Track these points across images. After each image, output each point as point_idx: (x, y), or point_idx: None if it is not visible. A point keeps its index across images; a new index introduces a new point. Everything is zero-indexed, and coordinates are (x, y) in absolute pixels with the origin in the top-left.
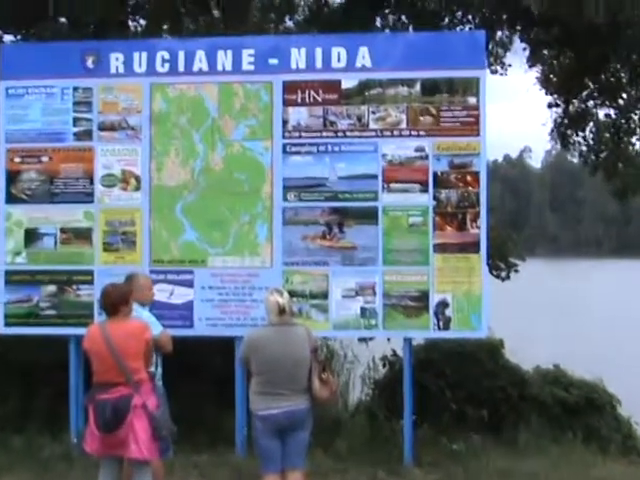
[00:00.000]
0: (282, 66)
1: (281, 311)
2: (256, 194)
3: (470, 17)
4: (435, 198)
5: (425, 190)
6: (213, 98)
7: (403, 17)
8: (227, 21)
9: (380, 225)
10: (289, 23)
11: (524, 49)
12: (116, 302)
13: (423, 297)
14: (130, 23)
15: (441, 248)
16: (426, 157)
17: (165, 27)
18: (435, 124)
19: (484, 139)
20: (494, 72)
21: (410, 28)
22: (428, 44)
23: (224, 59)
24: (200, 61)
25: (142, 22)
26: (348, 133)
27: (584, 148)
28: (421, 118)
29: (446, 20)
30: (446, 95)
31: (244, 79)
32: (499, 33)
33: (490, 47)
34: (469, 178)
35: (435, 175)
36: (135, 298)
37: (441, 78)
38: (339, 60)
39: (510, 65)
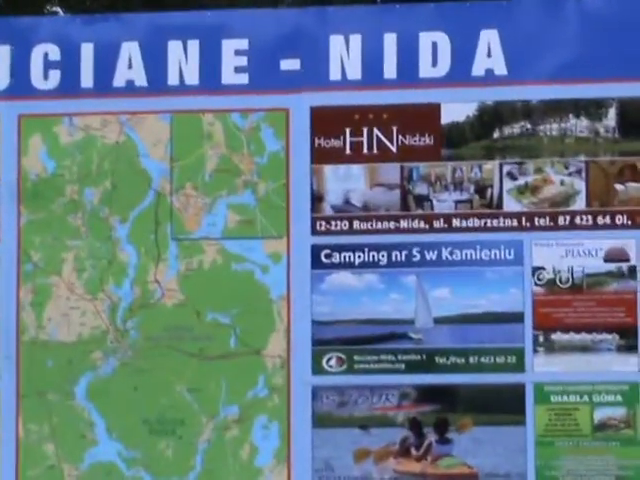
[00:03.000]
0: (307, 74)
1: None
2: (253, 360)
3: None
4: None
5: (631, 347)
6: (158, 145)
7: None
8: None
9: (531, 428)
10: None
11: None
12: None
13: None
14: None
15: None
16: (630, 274)
17: None
18: None
19: None
20: None
21: None
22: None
23: (181, 61)
24: (129, 65)
25: None
26: (456, 223)
27: None
28: (620, 188)
29: None
30: None
31: (226, 103)
32: None
33: None
34: None
35: None
36: None
37: None
38: (435, 60)
39: None
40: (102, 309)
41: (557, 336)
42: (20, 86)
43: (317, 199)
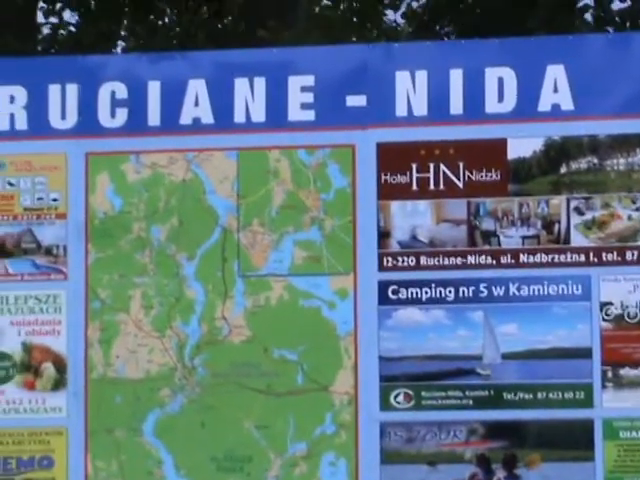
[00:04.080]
0: (374, 110)
1: None
2: (321, 396)
3: None
4: None
5: None
6: (225, 182)
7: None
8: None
9: (600, 463)
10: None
11: None
12: None
13: None
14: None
15: None
16: None
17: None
18: None
19: None
20: None
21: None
22: None
23: (247, 98)
24: (196, 103)
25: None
26: (523, 259)
27: None
28: None
29: None
30: None
31: (292, 140)
32: None
33: None
34: None
35: None
36: None
37: None
38: (501, 95)
39: None
40: (170, 346)
41: (625, 371)
42: (87, 124)
43: (384, 235)
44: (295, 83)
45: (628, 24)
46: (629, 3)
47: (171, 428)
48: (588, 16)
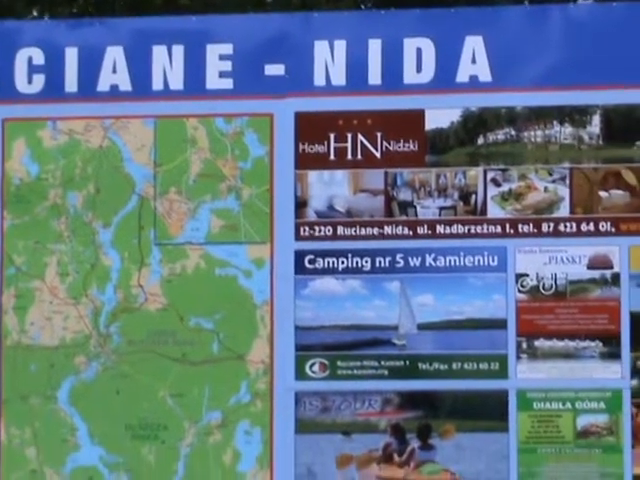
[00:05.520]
0: (292, 80)
1: None
2: (236, 365)
3: None
4: (637, 373)
5: (614, 354)
6: (142, 150)
7: None
8: None
9: (513, 434)
10: None
11: None
12: None
13: None
14: None
15: None
16: (613, 281)
17: None
18: (635, 207)
19: None
20: None
21: None
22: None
23: (165, 66)
24: (114, 70)
25: None
26: (440, 229)
27: None
28: (604, 195)
29: None
30: None
31: (210, 108)
32: None
33: None
34: None
35: (635, 323)
36: None
37: None
38: (419, 66)
39: None
40: (85, 313)
41: (540, 343)
42: (4, 90)
43: (301, 205)
44: (213, 51)
45: None
46: None
47: (86, 396)
48: None
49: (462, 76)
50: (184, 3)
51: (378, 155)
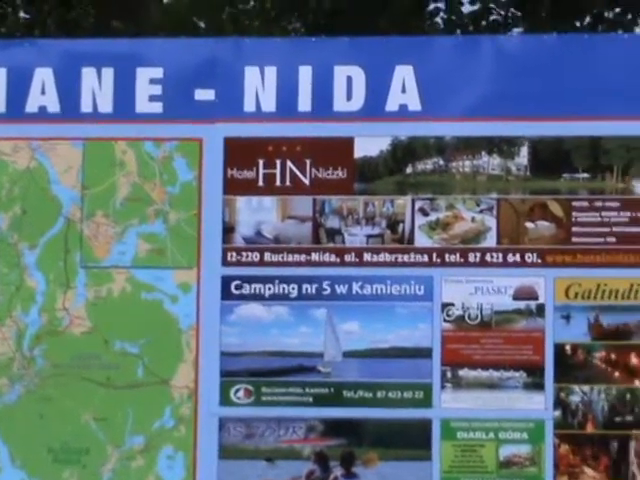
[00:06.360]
0: (222, 105)
1: None
2: (160, 390)
3: None
4: (560, 404)
5: (538, 384)
6: (70, 172)
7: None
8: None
9: (436, 463)
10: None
11: None
12: None
13: None
14: None
15: None
16: (538, 312)
17: None
18: (561, 239)
19: None
20: None
21: None
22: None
23: (95, 88)
24: (42, 91)
25: None
26: (367, 257)
27: None
28: (530, 226)
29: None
30: (587, 176)
31: (139, 131)
32: None
33: None
34: (636, 361)
35: (559, 354)
36: None
37: (577, 137)
38: (349, 94)
39: None
40: (9, 335)
41: (465, 372)
42: None
43: (228, 230)
44: (143, 75)
45: (472, 28)
46: (479, 6)
47: (8, 418)
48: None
49: (392, 105)
50: (116, 26)
51: (307, 182)
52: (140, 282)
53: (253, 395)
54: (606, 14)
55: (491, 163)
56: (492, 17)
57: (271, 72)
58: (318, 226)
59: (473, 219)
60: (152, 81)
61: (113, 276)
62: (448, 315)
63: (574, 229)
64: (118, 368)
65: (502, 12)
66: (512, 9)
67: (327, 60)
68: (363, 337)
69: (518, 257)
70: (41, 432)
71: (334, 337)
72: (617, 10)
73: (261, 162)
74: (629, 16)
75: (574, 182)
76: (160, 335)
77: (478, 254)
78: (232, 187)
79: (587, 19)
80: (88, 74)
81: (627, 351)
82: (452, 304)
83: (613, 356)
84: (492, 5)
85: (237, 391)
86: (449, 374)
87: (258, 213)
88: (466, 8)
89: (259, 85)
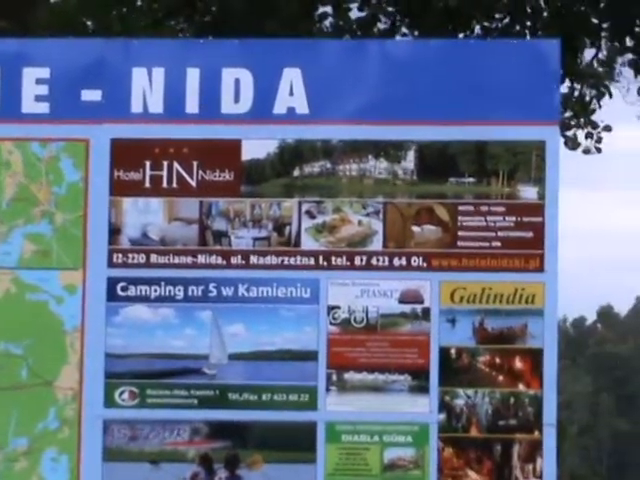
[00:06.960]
0: (109, 106)
1: None
2: (44, 391)
3: None
4: (445, 408)
5: (423, 388)
6: None
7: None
8: None
9: (321, 466)
10: None
11: None
12: None
13: None
14: None
15: None
16: (424, 316)
17: None
18: (447, 243)
19: (554, 277)
20: None
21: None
22: (435, 64)
23: None
24: None
25: None
26: (253, 260)
27: None
28: (416, 230)
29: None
30: (473, 180)
31: (25, 132)
32: None
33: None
34: (520, 365)
35: (444, 357)
36: None
37: (463, 142)
38: (237, 97)
39: None
40: None
41: (350, 375)
42: None
43: (115, 231)
44: (30, 75)
45: (360, 34)
46: (367, 12)
47: None
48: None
49: (279, 108)
50: (2, 25)
51: (194, 184)
52: (25, 283)
53: (138, 397)
54: (494, 25)
55: (378, 167)
56: (380, 25)
57: (159, 73)
58: (205, 228)
59: (360, 222)
60: (38, 81)
61: None
62: (334, 318)
63: (460, 233)
64: (2, 369)
65: (389, 20)
66: (399, 17)
67: (215, 62)
68: (249, 339)
69: (404, 261)
70: None
71: (220, 339)
72: (506, 21)
73: (148, 163)
74: (517, 27)
75: (460, 186)
76: (45, 336)
77: (364, 257)
78: (119, 188)
79: (476, 29)
80: None
81: (511, 355)
82: (338, 307)
83: (497, 360)
84: (379, 13)
85: (122, 393)
86: (334, 377)
87: (144, 215)
88: (354, 14)
89: (147, 86)
